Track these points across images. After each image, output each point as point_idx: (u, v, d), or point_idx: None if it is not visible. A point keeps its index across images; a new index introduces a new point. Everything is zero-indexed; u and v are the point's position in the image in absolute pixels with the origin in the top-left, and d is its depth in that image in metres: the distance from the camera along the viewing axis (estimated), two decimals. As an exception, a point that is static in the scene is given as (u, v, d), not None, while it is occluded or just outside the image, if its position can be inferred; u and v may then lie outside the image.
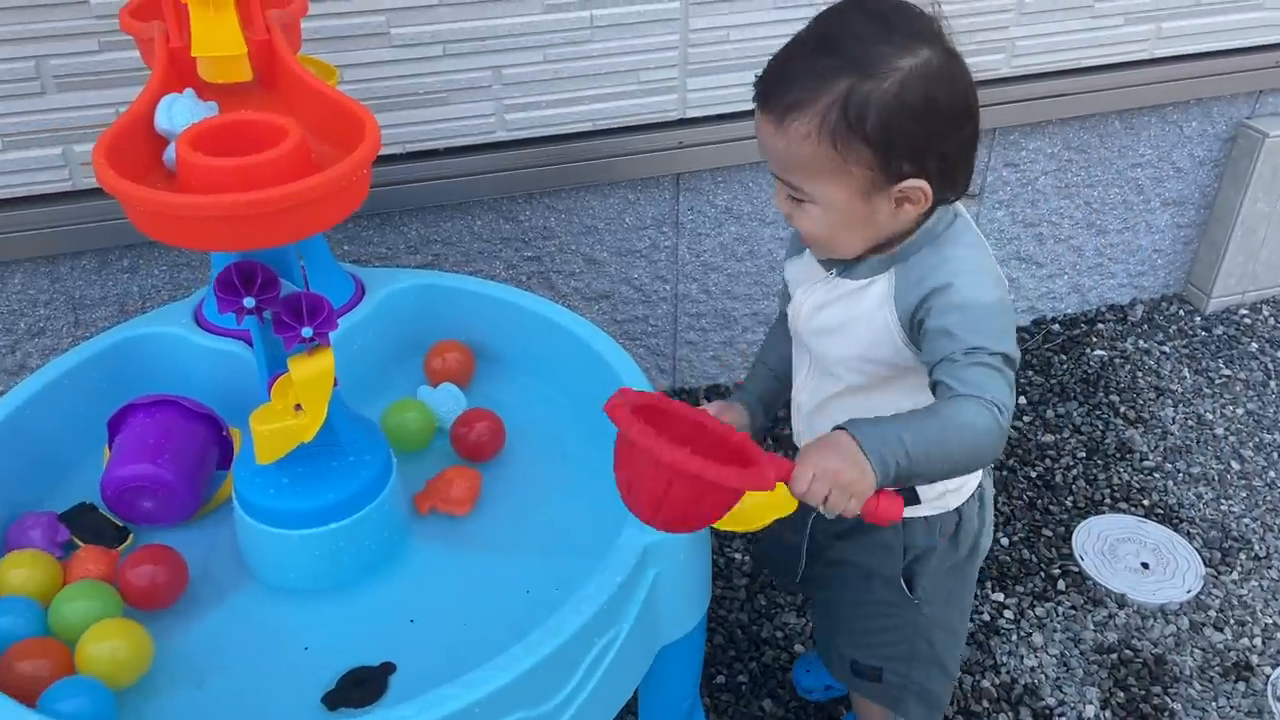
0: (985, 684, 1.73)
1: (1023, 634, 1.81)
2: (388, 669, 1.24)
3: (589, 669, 1.18)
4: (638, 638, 1.25)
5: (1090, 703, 1.71)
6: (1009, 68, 2.18)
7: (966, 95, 1.08)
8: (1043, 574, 1.92)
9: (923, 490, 1.25)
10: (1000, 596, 1.88)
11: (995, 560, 1.94)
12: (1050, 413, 2.29)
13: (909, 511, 1.25)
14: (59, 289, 1.80)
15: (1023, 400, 2.32)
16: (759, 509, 1.28)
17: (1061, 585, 1.90)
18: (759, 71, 1.11)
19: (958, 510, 1.28)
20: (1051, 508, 2.06)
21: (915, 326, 1.12)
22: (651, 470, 0.96)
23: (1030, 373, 2.40)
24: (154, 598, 1.27)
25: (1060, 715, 1.69)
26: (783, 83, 1.07)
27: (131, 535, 1.38)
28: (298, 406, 1.22)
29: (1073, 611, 1.86)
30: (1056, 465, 2.15)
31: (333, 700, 1.20)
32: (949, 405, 1.04)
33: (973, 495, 1.29)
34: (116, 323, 1.77)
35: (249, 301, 1.15)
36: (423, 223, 1.98)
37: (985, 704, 1.70)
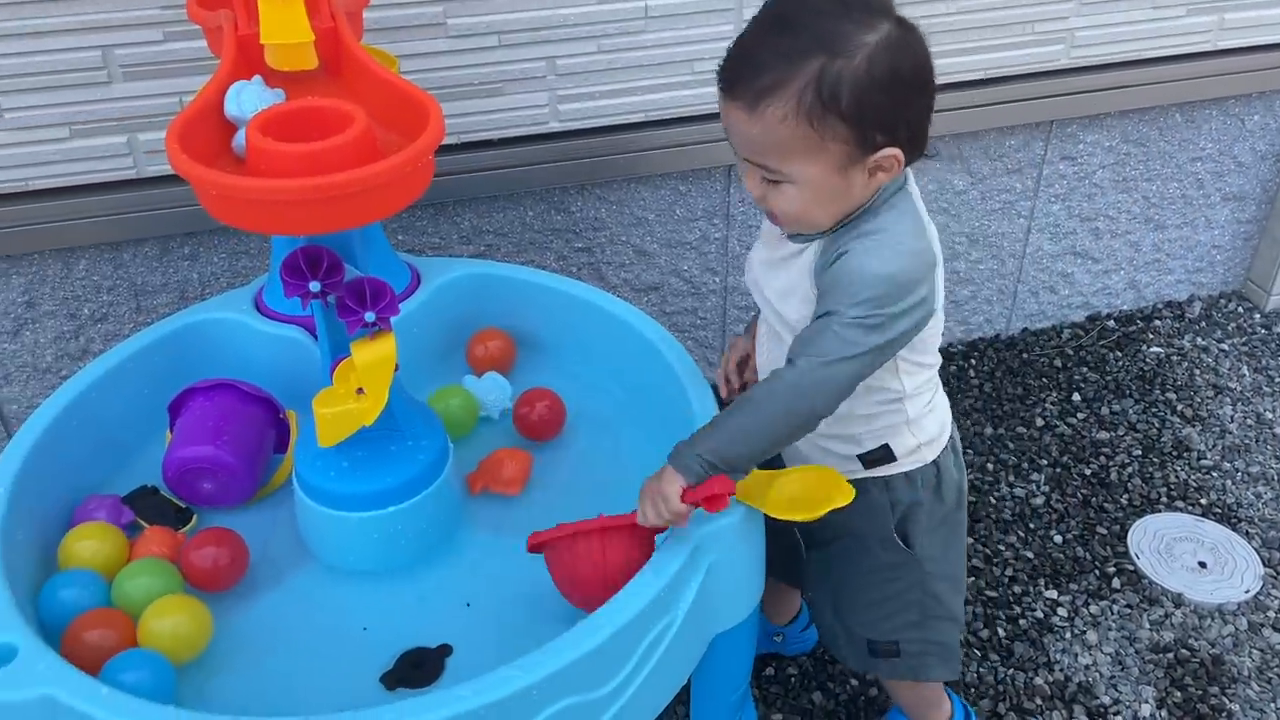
0: (1039, 681, 1.71)
1: (1077, 632, 1.79)
2: (445, 651, 1.25)
3: (643, 655, 1.18)
4: (691, 626, 1.25)
5: (1146, 702, 1.68)
6: (1068, 59, 2.15)
7: (926, 62, 1.13)
8: (1097, 572, 1.90)
9: (896, 448, 1.29)
10: (1054, 594, 1.86)
11: (1049, 557, 1.92)
12: (1105, 410, 2.26)
13: (889, 470, 1.30)
14: (122, 275, 1.84)
15: (1076, 397, 2.29)
16: (813, 500, 1.28)
17: (1116, 584, 1.88)
18: (720, 60, 1.12)
19: (935, 463, 1.31)
20: (1106, 505, 2.03)
21: None
22: (576, 547, 1.22)
23: (1085, 369, 2.37)
24: (216, 580, 1.29)
25: (1115, 714, 1.67)
26: (751, 68, 1.09)
27: (196, 517, 1.40)
28: (359, 390, 1.24)
29: (1128, 610, 1.83)
30: (1111, 463, 2.12)
31: (391, 680, 1.22)
32: (759, 385, 1.17)
33: (946, 446, 1.33)
34: (177, 309, 1.80)
35: (314, 285, 1.16)
36: (475, 213, 1.99)
37: (1038, 701, 1.69)
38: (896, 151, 1.11)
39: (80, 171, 1.71)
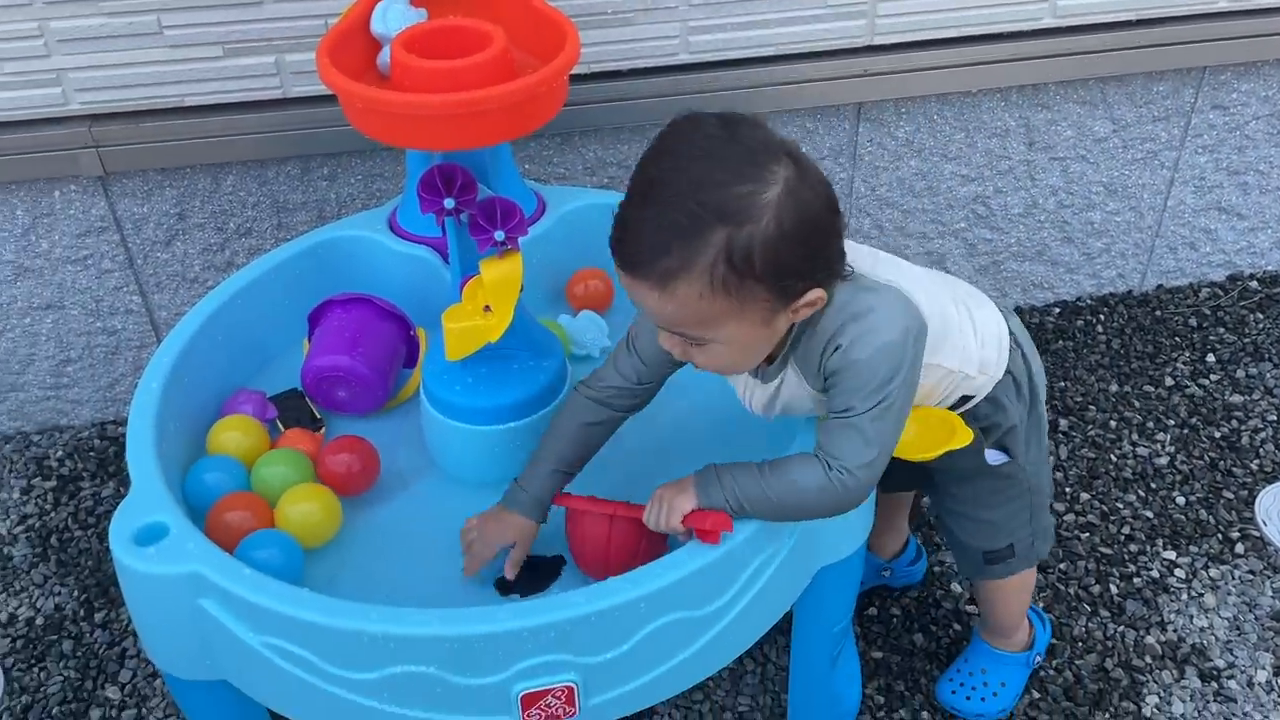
0: (1150, 640, 1.68)
1: (1194, 594, 1.75)
2: (558, 561, 1.30)
3: (749, 579, 1.21)
4: (797, 556, 1.27)
5: (1263, 668, 1.64)
6: (1226, 1, 2.03)
7: (827, 191, 1.07)
8: (1220, 536, 1.84)
9: (970, 390, 1.29)
10: (1172, 555, 1.81)
11: (1169, 518, 1.87)
12: (1241, 373, 2.17)
13: (971, 404, 1.31)
14: (265, 192, 1.92)
15: (1211, 359, 2.20)
16: (931, 440, 1.28)
17: (1240, 549, 1.82)
18: (612, 232, 1.07)
19: (1009, 372, 1.32)
20: (1235, 470, 1.96)
21: None
22: (585, 525, 1.26)
23: (1222, 330, 2.28)
24: (348, 484, 1.35)
25: (1229, 678, 1.63)
26: (650, 250, 1.03)
27: (325, 426, 1.47)
28: (487, 308, 1.28)
29: (1250, 576, 1.78)
30: (1244, 427, 2.04)
31: (505, 585, 1.27)
32: (793, 461, 1.17)
33: (1012, 348, 1.32)
34: (315, 227, 1.87)
35: (449, 202, 1.20)
36: (600, 144, 2.01)
37: (1148, 659, 1.66)
38: (819, 292, 1.08)
39: (231, 90, 1.79)
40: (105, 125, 1.78)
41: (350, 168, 1.93)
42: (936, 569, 1.80)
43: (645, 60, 1.91)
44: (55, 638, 1.71)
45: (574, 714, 1.14)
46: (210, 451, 1.37)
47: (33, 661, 1.68)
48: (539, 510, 1.28)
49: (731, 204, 1.01)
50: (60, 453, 2.03)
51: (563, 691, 1.12)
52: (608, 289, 1.68)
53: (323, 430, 1.47)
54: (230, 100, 1.80)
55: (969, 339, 1.27)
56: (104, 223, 1.89)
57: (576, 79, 1.88)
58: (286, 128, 1.83)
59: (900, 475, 1.34)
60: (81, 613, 1.74)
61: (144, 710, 1.61)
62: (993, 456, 1.37)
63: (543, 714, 1.13)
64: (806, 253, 1.05)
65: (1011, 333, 1.33)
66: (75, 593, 1.77)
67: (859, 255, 1.17)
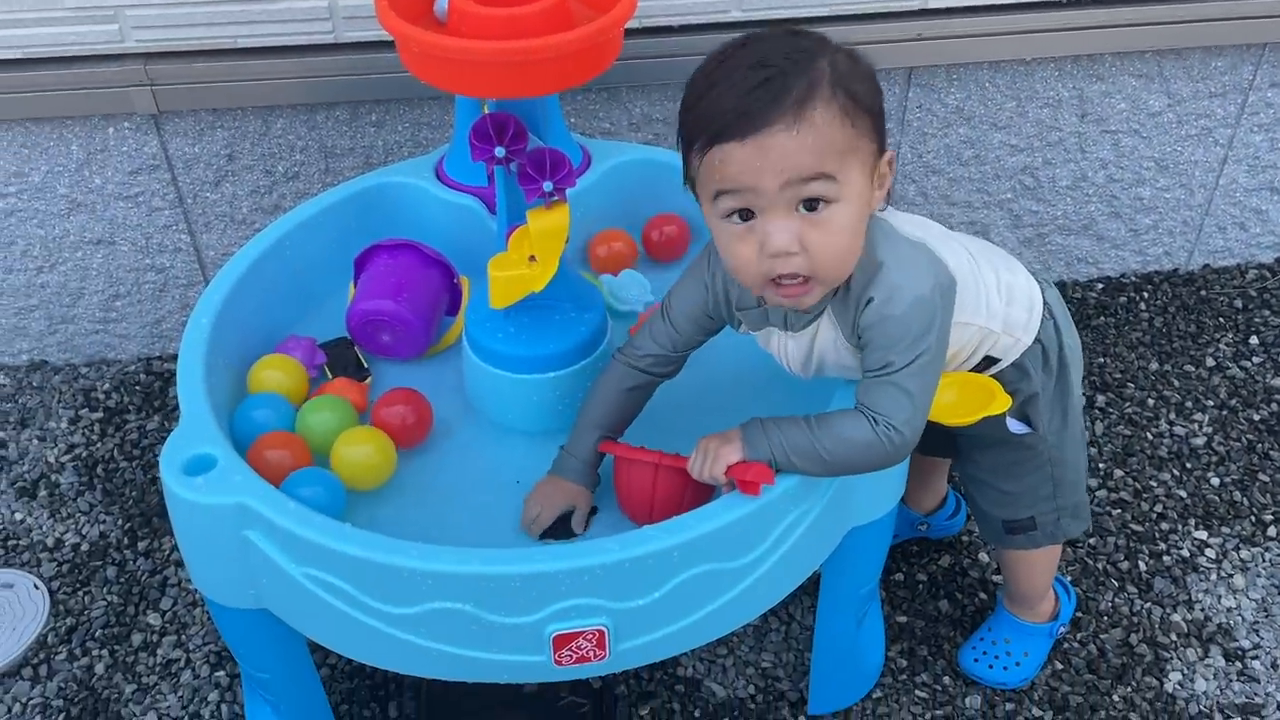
0: (1176, 618, 1.69)
1: (1223, 574, 1.75)
2: (591, 510, 1.32)
3: (781, 535, 1.23)
4: (829, 515, 1.28)
5: (1289, 652, 1.64)
6: (1293, -24, 1.99)
7: None
8: (1253, 518, 1.83)
9: (997, 352, 1.29)
10: (1203, 535, 1.81)
11: (1202, 498, 1.86)
12: (1284, 356, 2.15)
13: (997, 368, 1.31)
14: (314, 136, 1.94)
15: (1254, 340, 2.18)
16: (968, 405, 1.29)
17: (1272, 532, 1.81)
18: (712, 115, 1.05)
19: (1038, 340, 1.31)
20: (1272, 454, 1.95)
21: None
22: (633, 474, 1.27)
23: (1267, 312, 2.25)
24: (401, 437, 1.36)
25: (1254, 658, 1.63)
26: (773, 90, 1.02)
27: (371, 376, 1.50)
28: (532, 258, 1.29)
29: (1282, 560, 1.77)
30: (1284, 410, 2.03)
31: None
32: (839, 416, 1.18)
33: (1042, 315, 1.32)
34: (361, 173, 1.89)
35: (499, 151, 1.21)
36: (647, 100, 2.01)
37: (1174, 637, 1.66)
38: (891, 154, 1.11)
39: (283, 33, 1.80)
40: (160, 64, 1.81)
41: (398, 115, 1.94)
42: (965, 538, 1.81)
43: (697, 16, 1.90)
44: (99, 564, 1.76)
45: (604, 657, 1.17)
46: (251, 390, 1.39)
47: (77, 586, 1.73)
48: (590, 475, 1.32)
49: (811, 43, 1.06)
50: (107, 385, 2.07)
51: (594, 635, 1.14)
52: (630, 251, 1.68)
53: (369, 380, 1.49)
54: (282, 43, 1.82)
55: (991, 295, 1.27)
56: (155, 161, 1.92)
57: (627, 33, 1.86)
58: (337, 73, 1.85)
59: (931, 439, 1.35)
60: (125, 541, 1.80)
61: (184, 637, 1.66)
62: (1014, 425, 1.37)
63: (574, 655, 1.15)
64: (879, 98, 1.09)
65: (1046, 303, 1.33)
66: (120, 521, 1.82)
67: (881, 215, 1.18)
